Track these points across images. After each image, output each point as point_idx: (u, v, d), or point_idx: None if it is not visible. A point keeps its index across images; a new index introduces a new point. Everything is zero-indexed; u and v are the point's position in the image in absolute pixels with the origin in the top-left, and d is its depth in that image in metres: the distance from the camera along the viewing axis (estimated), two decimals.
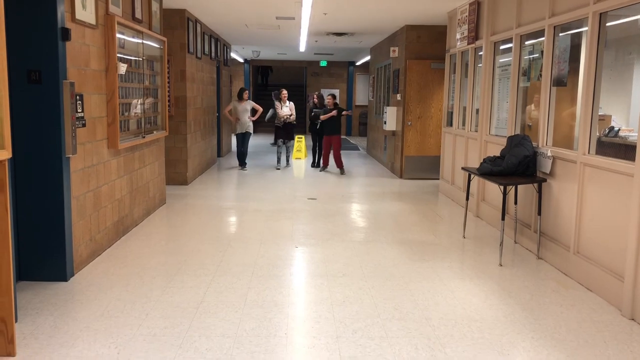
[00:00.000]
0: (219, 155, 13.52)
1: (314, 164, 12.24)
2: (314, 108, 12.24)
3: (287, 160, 12.31)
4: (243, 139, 11.56)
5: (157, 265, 5.08)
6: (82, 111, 4.79)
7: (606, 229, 4.45)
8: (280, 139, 12.04)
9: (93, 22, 5.03)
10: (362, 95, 21.60)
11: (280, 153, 12.14)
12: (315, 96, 12.48)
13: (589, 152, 4.74)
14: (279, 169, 11.75)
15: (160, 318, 3.87)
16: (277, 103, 11.96)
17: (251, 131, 11.63)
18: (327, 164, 11.66)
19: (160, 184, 7.60)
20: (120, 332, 3.64)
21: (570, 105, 5.79)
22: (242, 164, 11.62)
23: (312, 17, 9.50)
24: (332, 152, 11.60)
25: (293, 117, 11.97)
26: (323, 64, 21.23)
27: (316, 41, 13.91)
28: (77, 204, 4.78)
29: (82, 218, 4.92)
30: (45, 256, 4.53)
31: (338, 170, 11.48)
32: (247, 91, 11.75)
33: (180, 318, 3.87)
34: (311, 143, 12.83)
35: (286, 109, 11.86)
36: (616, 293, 4.21)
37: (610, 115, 7.52)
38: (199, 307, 4.08)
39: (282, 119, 11.75)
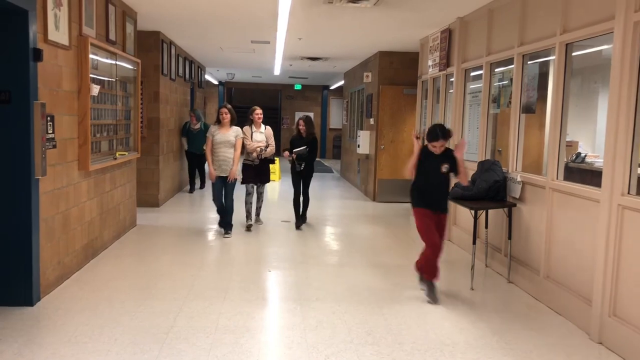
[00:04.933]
0: None
1: (298, 225, 8.03)
2: (296, 139, 7.94)
3: (258, 213, 8.11)
4: (224, 187, 7.24)
5: (127, 289, 4.99)
6: (53, 132, 4.72)
7: (574, 253, 4.54)
8: (251, 183, 7.75)
9: (66, 43, 4.99)
10: (336, 118, 21.76)
11: (251, 204, 7.77)
12: (301, 123, 7.95)
13: (557, 178, 4.85)
14: (250, 225, 7.74)
15: (129, 344, 3.79)
16: (246, 128, 7.69)
17: (236, 175, 7.24)
18: (437, 275, 5.02)
19: (131, 206, 7.49)
20: (88, 358, 3.55)
21: (539, 132, 5.93)
22: (226, 225, 7.34)
23: (287, 41, 9.59)
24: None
25: (271, 149, 7.74)
26: (298, 87, 21.37)
27: (291, 65, 14.02)
28: (45, 226, 4.68)
29: (50, 241, 4.81)
30: (11, 280, 4.40)
31: (424, 281, 5.09)
32: (226, 109, 7.19)
33: (150, 344, 3.80)
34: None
35: (260, 136, 7.70)
36: (584, 317, 4.28)
37: (577, 142, 7.73)
38: (170, 332, 4.01)
39: (257, 154, 7.56)
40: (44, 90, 4.56)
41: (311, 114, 22.24)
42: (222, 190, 7.25)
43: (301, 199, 8.05)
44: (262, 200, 8.10)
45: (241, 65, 14.81)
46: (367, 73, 11.47)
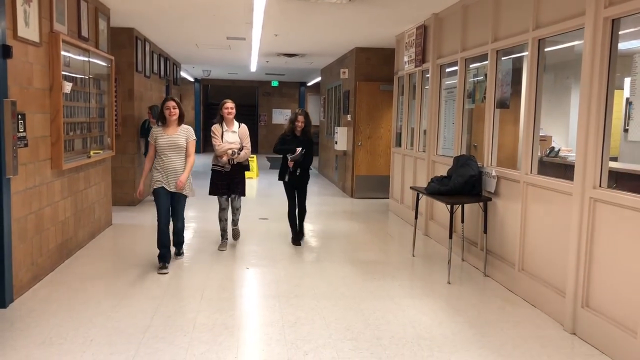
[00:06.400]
0: None
1: (297, 240, 6.83)
2: (289, 138, 6.67)
3: (235, 236, 6.78)
4: (173, 204, 5.69)
5: (102, 289, 4.93)
6: (24, 131, 4.63)
7: (548, 246, 4.61)
8: (224, 195, 6.42)
9: (37, 39, 4.90)
10: (313, 115, 21.59)
11: (225, 222, 6.58)
12: (300, 119, 6.64)
13: (531, 172, 4.92)
14: (222, 249, 6.45)
15: (105, 344, 3.74)
16: (215, 126, 6.34)
17: (187, 192, 5.76)
18: None
19: (106, 205, 7.40)
20: None
21: (513, 127, 6.01)
22: (164, 258, 5.54)
23: (262, 38, 9.55)
24: None
25: (246, 153, 6.36)
26: (274, 84, 21.30)
27: (267, 61, 13.97)
28: (18, 226, 4.59)
29: (23, 241, 4.73)
30: None
31: None
32: (174, 102, 5.62)
33: (127, 344, 3.76)
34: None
35: (232, 137, 6.32)
36: (558, 309, 4.35)
37: (551, 136, 7.85)
38: (147, 332, 3.97)
39: (228, 157, 6.22)
40: (14, 87, 4.47)
41: (288, 111, 21.92)
42: (169, 209, 5.63)
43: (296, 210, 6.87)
44: (238, 218, 6.59)
45: (217, 62, 14.70)
46: (344, 69, 11.49)
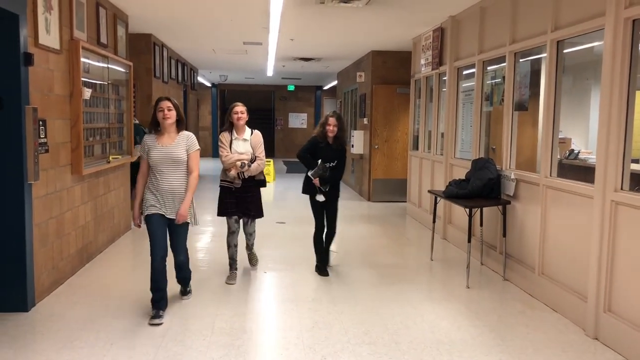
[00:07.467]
0: None
1: (322, 268, 5.68)
2: (321, 145, 5.51)
3: (250, 254, 5.79)
4: (172, 235, 4.50)
5: (122, 293, 4.97)
6: (45, 137, 4.70)
7: (569, 250, 4.55)
8: (234, 216, 5.40)
9: (57, 47, 4.97)
10: None
11: (235, 248, 5.49)
12: (332, 121, 5.45)
13: (550, 175, 4.86)
14: (231, 283, 5.30)
15: (125, 348, 3.77)
16: (223, 134, 5.27)
17: (191, 219, 4.52)
18: None
19: (125, 210, 7.47)
20: None
21: (532, 129, 5.95)
22: (158, 304, 4.32)
23: (279, 42, 9.58)
24: None
25: (259, 165, 5.30)
26: (291, 88, 21.35)
27: (284, 66, 14.01)
28: (39, 231, 4.65)
29: (44, 246, 4.79)
30: (5, 286, 4.38)
31: None
32: (170, 102, 4.37)
33: (147, 347, 3.78)
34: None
35: (243, 146, 5.26)
36: (580, 313, 4.29)
37: (570, 138, 7.75)
38: (166, 335, 4.00)
39: (238, 171, 5.18)
40: (36, 94, 4.54)
41: (304, 115, 21.86)
42: (166, 239, 4.42)
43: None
44: (253, 242, 5.63)
45: (234, 66, 14.79)
46: (360, 73, 11.48)
